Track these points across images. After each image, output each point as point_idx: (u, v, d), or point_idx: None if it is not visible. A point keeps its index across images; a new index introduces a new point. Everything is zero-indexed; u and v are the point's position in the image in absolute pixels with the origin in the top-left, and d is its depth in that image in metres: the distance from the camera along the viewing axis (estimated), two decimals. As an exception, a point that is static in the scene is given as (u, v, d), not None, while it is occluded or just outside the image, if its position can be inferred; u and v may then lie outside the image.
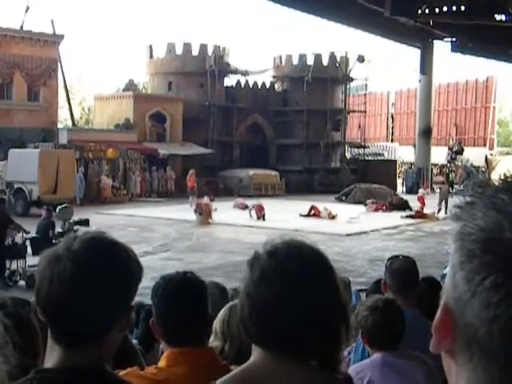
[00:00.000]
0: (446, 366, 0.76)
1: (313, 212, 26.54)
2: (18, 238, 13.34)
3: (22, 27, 34.88)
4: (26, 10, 35.54)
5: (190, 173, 32.34)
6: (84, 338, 1.39)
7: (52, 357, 1.42)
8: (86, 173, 31.87)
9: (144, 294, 2.39)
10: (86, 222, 14.71)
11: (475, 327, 0.69)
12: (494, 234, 0.69)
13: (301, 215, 26.30)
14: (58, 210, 14.50)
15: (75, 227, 13.97)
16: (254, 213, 25.24)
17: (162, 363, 2.12)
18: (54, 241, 12.68)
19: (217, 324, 2.85)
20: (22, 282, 12.78)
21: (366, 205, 30.22)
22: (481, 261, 0.69)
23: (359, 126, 49.75)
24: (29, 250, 12.98)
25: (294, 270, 1.36)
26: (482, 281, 0.68)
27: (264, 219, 24.68)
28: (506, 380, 0.68)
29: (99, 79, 66.92)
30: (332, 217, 25.98)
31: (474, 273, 0.69)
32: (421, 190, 33.76)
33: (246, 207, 26.81)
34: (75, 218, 14.75)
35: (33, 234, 13.72)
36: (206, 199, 25.11)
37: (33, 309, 1.98)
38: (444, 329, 0.74)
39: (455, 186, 40.98)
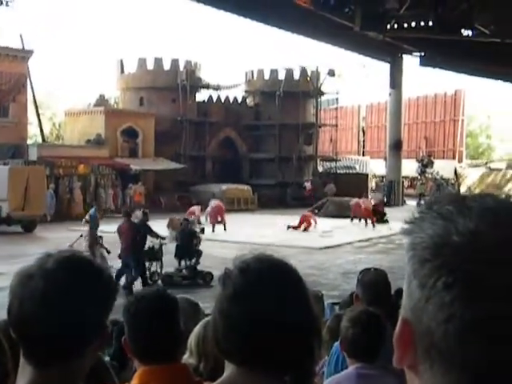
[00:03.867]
0: (409, 381, 0.76)
1: (298, 225, 26.89)
2: (156, 243, 15.11)
3: (-10, 42, 34.56)
4: (-5, 26, 35.26)
5: (134, 188, 33.81)
6: (55, 357, 1.36)
7: (23, 377, 1.40)
8: (57, 189, 31.55)
9: (117, 311, 2.37)
10: None
11: (432, 331, 0.70)
12: (442, 240, 0.71)
13: (289, 227, 26.63)
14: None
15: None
16: (209, 218, 25.44)
17: (134, 381, 2.10)
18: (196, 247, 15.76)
19: (192, 341, 2.80)
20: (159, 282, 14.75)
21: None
22: (432, 265, 0.71)
23: (331, 140, 50.04)
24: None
25: (266, 285, 1.36)
26: (435, 283, 0.70)
27: (224, 227, 25.03)
28: (465, 383, 0.69)
29: (70, 94, 66.15)
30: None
31: (427, 277, 0.71)
32: (307, 184, 33.46)
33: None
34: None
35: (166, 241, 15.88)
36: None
37: (1, 327, 1.95)
38: (404, 341, 0.74)
39: (425, 197, 41.38)
